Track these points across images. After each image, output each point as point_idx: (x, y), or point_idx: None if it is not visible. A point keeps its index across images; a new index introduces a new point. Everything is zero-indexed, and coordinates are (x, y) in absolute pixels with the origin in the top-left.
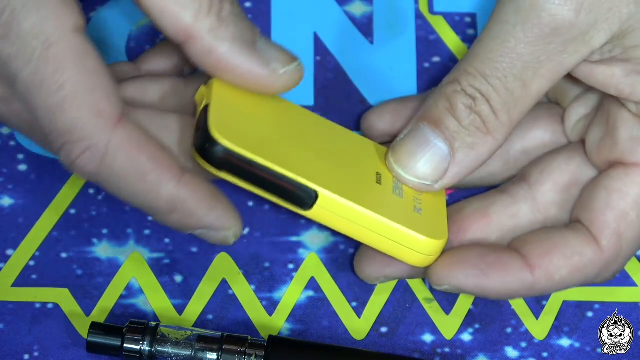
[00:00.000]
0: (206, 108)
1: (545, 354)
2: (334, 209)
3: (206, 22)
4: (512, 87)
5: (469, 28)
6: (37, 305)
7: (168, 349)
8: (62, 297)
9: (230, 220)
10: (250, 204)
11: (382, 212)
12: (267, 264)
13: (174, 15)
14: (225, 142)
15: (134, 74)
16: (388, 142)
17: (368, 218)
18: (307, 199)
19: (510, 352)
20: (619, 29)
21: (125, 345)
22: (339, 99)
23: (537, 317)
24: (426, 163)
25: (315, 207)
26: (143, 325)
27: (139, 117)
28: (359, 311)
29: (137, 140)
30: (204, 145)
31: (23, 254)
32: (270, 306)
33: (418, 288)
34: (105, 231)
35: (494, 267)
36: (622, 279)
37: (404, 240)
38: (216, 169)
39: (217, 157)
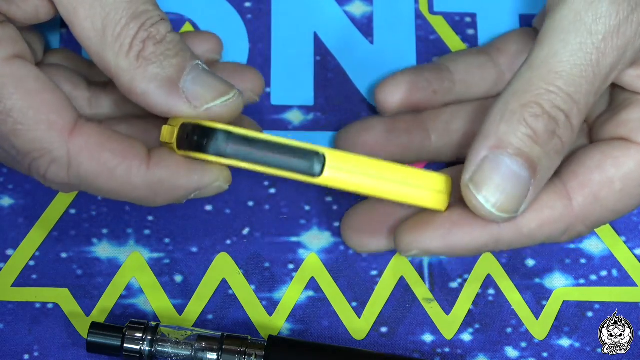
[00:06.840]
0: (183, 124)
1: (545, 354)
2: (344, 167)
3: (125, 62)
4: (593, 100)
5: (469, 28)
6: (37, 305)
7: (168, 349)
8: (62, 297)
9: (213, 173)
10: (251, 204)
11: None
12: (267, 264)
13: (99, 56)
14: (223, 127)
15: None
16: (402, 113)
17: (382, 165)
18: (316, 163)
19: (510, 352)
20: None
21: (125, 345)
22: (339, 99)
23: (537, 317)
24: (512, 196)
25: (325, 169)
26: (143, 325)
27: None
28: (359, 311)
29: (96, 141)
30: (201, 140)
31: (23, 254)
32: (270, 306)
33: (418, 288)
34: (105, 231)
35: (459, 224)
36: (622, 279)
37: (421, 180)
38: (220, 157)
39: (219, 145)
